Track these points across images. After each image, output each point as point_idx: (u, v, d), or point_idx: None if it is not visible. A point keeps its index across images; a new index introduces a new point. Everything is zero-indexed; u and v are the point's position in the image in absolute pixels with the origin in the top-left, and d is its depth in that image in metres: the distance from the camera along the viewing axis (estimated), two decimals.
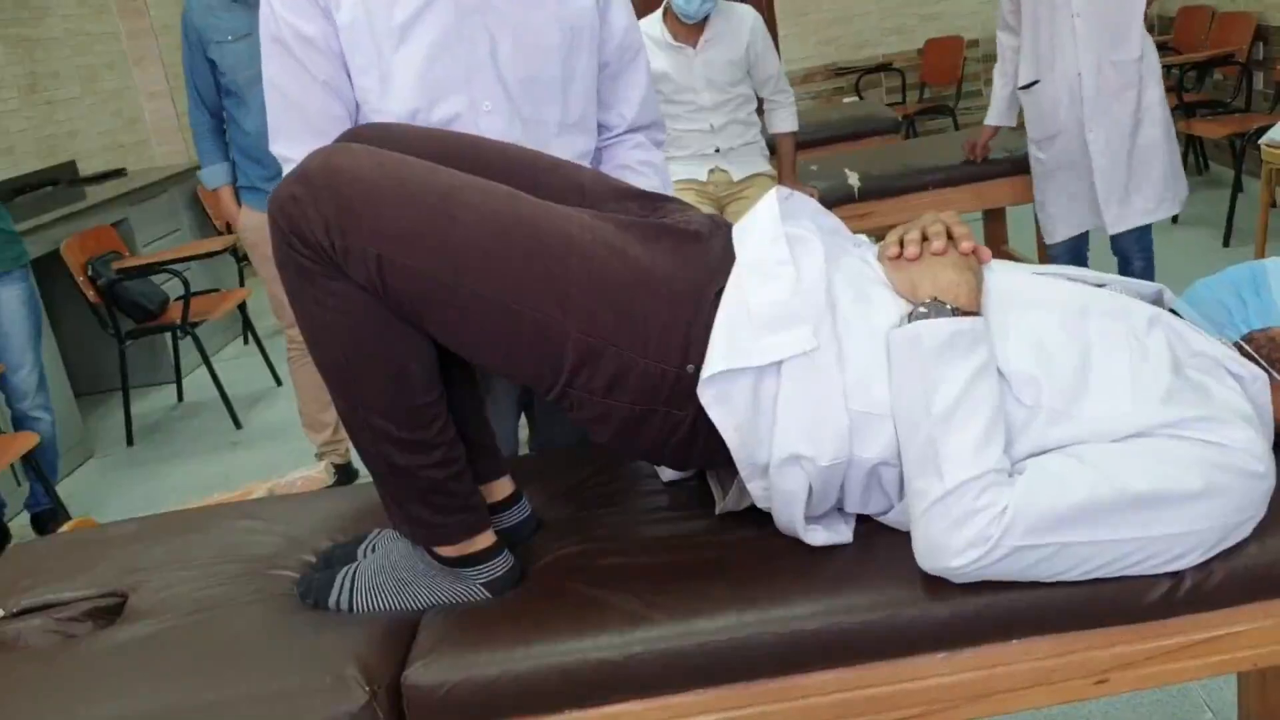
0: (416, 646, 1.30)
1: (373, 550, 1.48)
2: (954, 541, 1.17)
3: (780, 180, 3.69)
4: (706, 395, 1.25)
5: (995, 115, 3.60)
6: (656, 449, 1.35)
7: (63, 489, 3.81)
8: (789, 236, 1.31)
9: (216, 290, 5.21)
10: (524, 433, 2.41)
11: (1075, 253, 3.43)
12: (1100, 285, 1.38)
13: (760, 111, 3.72)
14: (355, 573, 1.43)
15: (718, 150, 3.60)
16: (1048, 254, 3.51)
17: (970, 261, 1.30)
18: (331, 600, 1.41)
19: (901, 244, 1.33)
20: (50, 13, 5.80)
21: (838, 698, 1.26)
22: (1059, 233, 3.40)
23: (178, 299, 4.75)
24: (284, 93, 1.67)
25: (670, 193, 1.76)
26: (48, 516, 3.69)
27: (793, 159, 3.73)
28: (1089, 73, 3.17)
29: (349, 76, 1.67)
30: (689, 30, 3.49)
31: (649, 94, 1.91)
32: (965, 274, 1.27)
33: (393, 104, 1.66)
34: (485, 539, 1.39)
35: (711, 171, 3.61)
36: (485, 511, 1.42)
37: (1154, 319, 1.29)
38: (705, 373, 1.25)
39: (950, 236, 1.32)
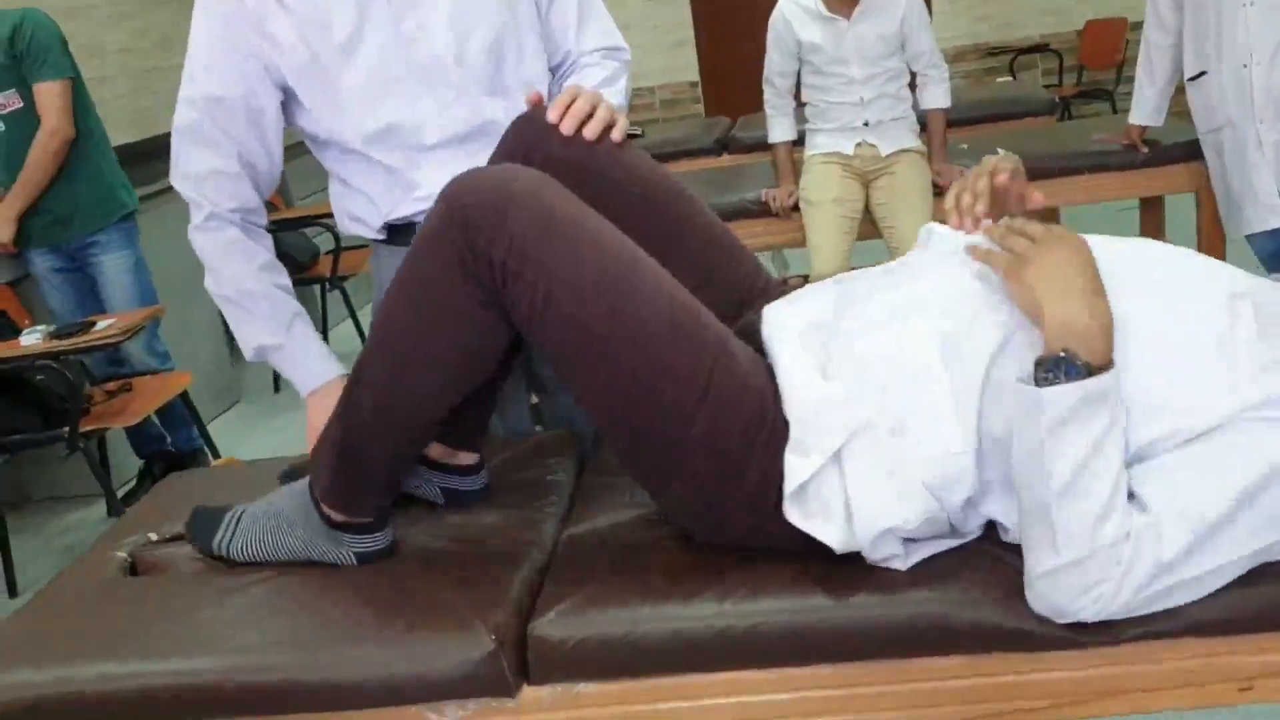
0: (542, 601, 1.32)
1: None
2: (1072, 606, 1.15)
3: (930, 158, 3.61)
4: (794, 514, 1.26)
5: (1143, 114, 3.47)
6: (771, 541, 1.33)
7: (210, 430, 3.98)
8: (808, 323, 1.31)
9: (365, 245, 5.34)
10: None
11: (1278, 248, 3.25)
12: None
13: (912, 86, 3.63)
14: (242, 516, 1.48)
15: (866, 124, 3.53)
16: (1255, 249, 3.33)
17: (1099, 285, 1.16)
18: (215, 542, 1.47)
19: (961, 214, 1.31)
20: None
21: (962, 683, 1.24)
22: (1239, 227, 3.25)
23: (328, 252, 4.90)
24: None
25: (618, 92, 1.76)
26: (197, 458, 3.85)
27: (943, 136, 3.64)
28: (1260, 62, 3.01)
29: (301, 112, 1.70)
30: (843, 2, 3.43)
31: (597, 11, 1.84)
32: (1100, 313, 1.14)
33: (350, 122, 1.67)
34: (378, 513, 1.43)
35: (858, 145, 3.54)
36: (394, 500, 1.45)
37: (1238, 294, 1.22)
38: (786, 492, 1.25)
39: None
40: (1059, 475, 1.11)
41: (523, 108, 1.56)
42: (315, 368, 1.71)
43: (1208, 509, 1.12)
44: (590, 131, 1.44)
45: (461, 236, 1.24)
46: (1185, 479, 1.14)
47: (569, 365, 1.30)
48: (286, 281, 1.74)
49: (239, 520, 1.47)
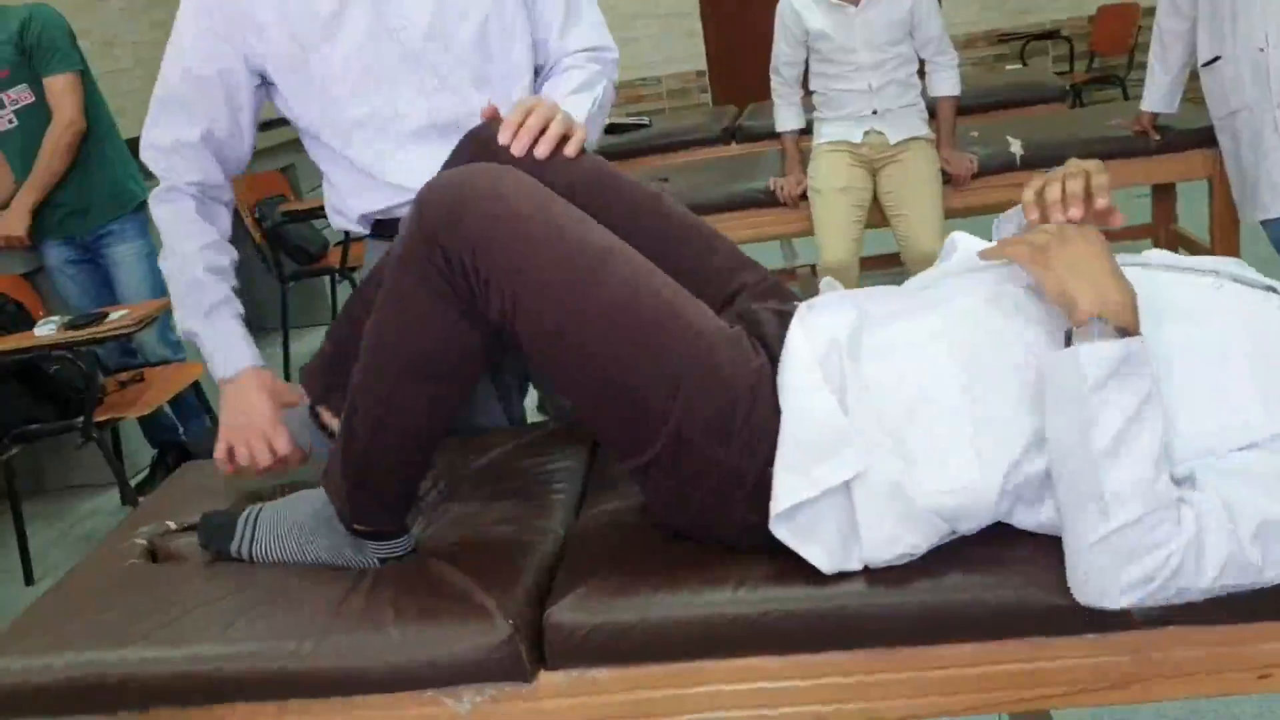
0: (558, 587, 1.33)
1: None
2: (1121, 578, 1.11)
3: (939, 145, 3.60)
4: (782, 531, 1.24)
5: (1155, 102, 3.47)
6: (735, 539, 1.33)
7: None
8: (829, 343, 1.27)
9: None
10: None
11: None
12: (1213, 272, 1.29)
13: (921, 73, 3.62)
14: (258, 519, 1.47)
15: (875, 112, 3.52)
16: (1269, 235, 3.31)
17: (1119, 268, 1.18)
18: (234, 547, 1.47)
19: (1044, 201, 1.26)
20: None
21: (977, 671, 1.24)
22: (1255, 213, 3.23)
23: (337, 244, 4.91)
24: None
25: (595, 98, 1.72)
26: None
27: (953, 124, 3.62)
28: (1277, 46, 2.99)
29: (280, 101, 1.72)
30: None
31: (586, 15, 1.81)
32: (1128, 290, 1.15)
33: (329, 111, 1.67)
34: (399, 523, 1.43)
35: (867, 133, 3.53)
36: (413, 503, 1.46)
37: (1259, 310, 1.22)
38: (774, 510, 1.23)
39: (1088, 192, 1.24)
40: (1104, 433, 1.10)
41: (508, 99, 1.55)
42: (224, 357, 1.66)
43: (1271, 513, 1.11)
44: (541, 150, 1.42)
45: (432, 244, 1.23)
46: (1244, 490, 1.12)
47: (544, 363, 1.29)
48: (225, 261, 1.71)
49: (255, 524, 1.47)
